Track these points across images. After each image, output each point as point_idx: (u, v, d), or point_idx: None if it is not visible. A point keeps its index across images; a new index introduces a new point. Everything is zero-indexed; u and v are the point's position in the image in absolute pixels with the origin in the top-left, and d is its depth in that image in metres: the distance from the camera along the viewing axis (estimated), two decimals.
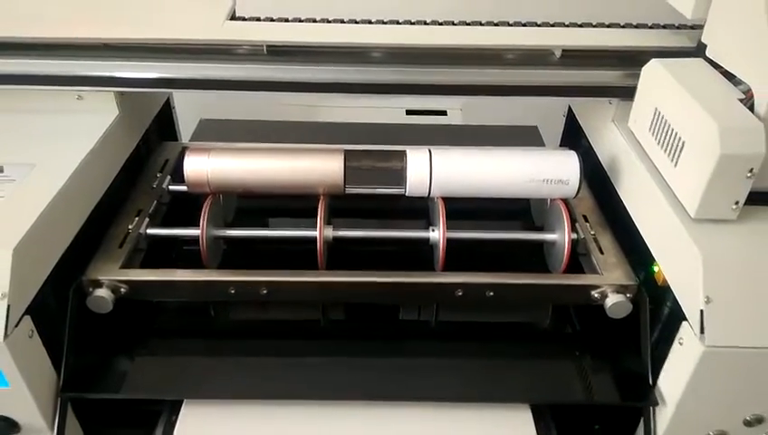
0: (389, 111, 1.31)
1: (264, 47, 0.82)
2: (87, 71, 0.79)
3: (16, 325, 0.61)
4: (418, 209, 0.89)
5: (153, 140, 0.98)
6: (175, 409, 0.72)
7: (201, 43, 0.81)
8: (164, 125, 1.03)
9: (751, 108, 0.65)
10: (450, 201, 0.80)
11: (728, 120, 0.62)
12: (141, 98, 0.93)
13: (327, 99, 1.31)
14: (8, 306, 0.59)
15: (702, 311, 0.61)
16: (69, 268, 0.70)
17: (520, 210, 0.96)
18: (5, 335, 0.59)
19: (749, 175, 0.62)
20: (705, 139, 0.62)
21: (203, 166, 0.79)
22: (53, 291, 0.68)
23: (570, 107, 1.06)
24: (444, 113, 1.30)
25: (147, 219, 0.81)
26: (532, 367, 0.78)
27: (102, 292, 0.70)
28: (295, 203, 0.86)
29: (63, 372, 0.68)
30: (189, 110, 1.17)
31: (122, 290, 0.72)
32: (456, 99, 1.32)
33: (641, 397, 0.70)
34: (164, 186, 0.89)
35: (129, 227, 0.79)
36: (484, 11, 0.95)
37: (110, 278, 0.71)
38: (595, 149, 0.92)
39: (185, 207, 0.89)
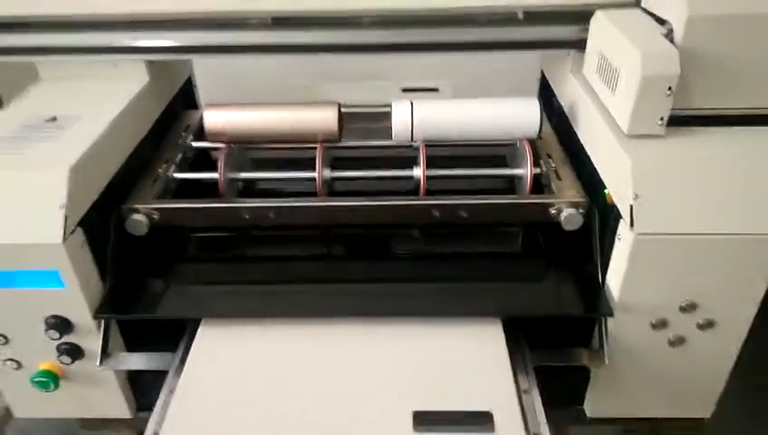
0: (386, 89, 1.45)
1: (270, 18, 0.96)
2: (120, 42, 0.95)
3: (72, 233, 0.75)
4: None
5: (178, 108, 1.13)
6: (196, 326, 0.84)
7: (216, 15, 0.96)
8: (187, 97, 1.19)
9: (672, 41, 0.77)
10: (438, 160, 0.93)
11: (649, 48, 0.74)
12: (167, 69, 1.08)
13: (328, 81, 1.47)
14: (66, 216, 0.74)
15: (631, 205, 0.73)
16: (111, 199, 0.85)
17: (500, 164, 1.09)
18: (64, 238, 0.74)
19: (668, 93, 0.74)
20: (631, 64, 0.75)
21: (219, 118, 0.93)
22: (99, 216, 0.82)
23: (542, 71, 1.19)
24: (436, 90, 1.44)
25: (174, 166, 0.96)
26: (502, 286, 0.89)
27: (139, 216, 0.85)
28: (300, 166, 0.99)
29: (104, 293, 0.82)
30: (206, 96, 1.32)
31: (155, 217, 0.86)
32: (446, 78, 1.46)
33: (597, 307, 0.81)
34: (188, 142, 1.04)
35: (160, 170, 0.94)
36: None
37: (145, 206, 0.86)
38: (559, 99, 1.04)
39: (204, 162, 1.04)
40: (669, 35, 0.78)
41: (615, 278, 0.79)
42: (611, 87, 0.82)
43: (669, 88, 0.74)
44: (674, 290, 0.78)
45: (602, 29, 0.87)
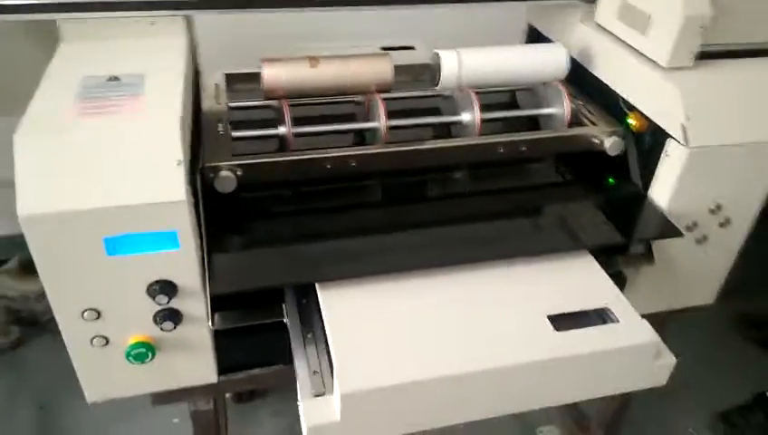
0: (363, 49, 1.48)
1: None
2: None
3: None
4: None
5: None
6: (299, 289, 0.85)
7: None
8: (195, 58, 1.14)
9: None
10: None
11: None
12: (193, 29, 1.03)
13: (303, 42, 1.47)
14: (185, 171, 0.71)
15: (683, 125, 0.87)
16: (193, 158, 0.82)
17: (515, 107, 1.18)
18: (186, 193, 0.71)
19: (701, 30, 0.89)
20: (670, 7, 0.88)
21: (280, 72, 0.93)
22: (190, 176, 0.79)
23: (528, 24, 1.31)
24: (412, 48, 1.50)
25: (229, 125, 0.94)
26: (573, 219, 0.96)
27: (227, 173, 0.83)
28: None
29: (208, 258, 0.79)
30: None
31: (238, 172, 0.85)
32: (420, 36, 1.53)
33: (668, 228, 0.91)
34: (230, 102, 1.01)
35: (219, 130, 0.91)
36: None
37: (229, 163, 0.84)
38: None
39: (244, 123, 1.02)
40: None
41: (662, 193, 0.93)
42: (642, 29, 0.95)
43: (702, 26, 0.89)
44: (708, 196, 0.94)
45: None
